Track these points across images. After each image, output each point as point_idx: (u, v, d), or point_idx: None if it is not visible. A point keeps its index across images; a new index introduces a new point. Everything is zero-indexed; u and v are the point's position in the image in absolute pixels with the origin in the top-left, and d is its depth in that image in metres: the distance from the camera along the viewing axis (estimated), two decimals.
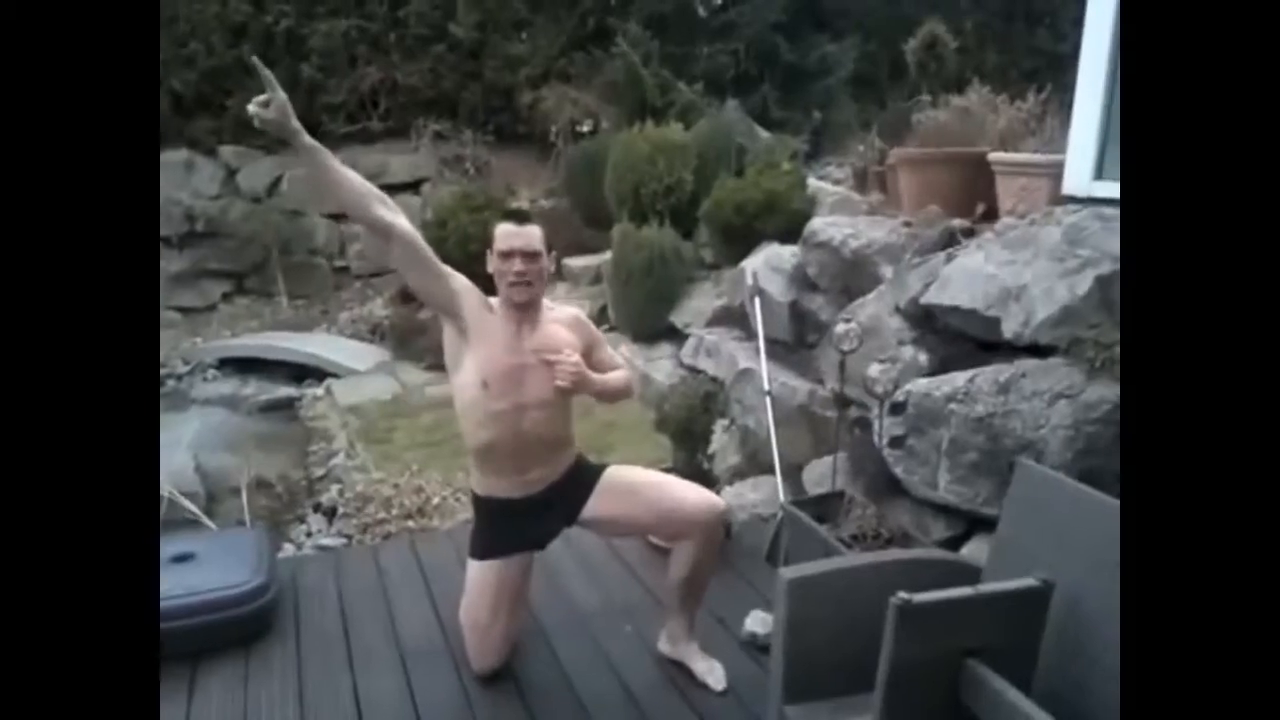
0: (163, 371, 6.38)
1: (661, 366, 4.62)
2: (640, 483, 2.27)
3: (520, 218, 2.19)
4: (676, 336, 4.81)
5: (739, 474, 3.49)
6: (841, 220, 3.74)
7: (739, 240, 4.66)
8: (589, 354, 2.23)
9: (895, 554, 2.13)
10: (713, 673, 2.28)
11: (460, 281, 2.16)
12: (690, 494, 2.22)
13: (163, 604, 2.31)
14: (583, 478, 2.27)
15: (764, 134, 6.81)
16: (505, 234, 2.15)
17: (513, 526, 2.26)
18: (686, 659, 2.32)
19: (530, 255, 2.12)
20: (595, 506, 2.24)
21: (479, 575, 2.27)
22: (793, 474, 3.15)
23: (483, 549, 2.28)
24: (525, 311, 2.17)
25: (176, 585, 2.39)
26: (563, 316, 2.26)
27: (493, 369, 2.12)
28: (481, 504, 2.30)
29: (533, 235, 2.15)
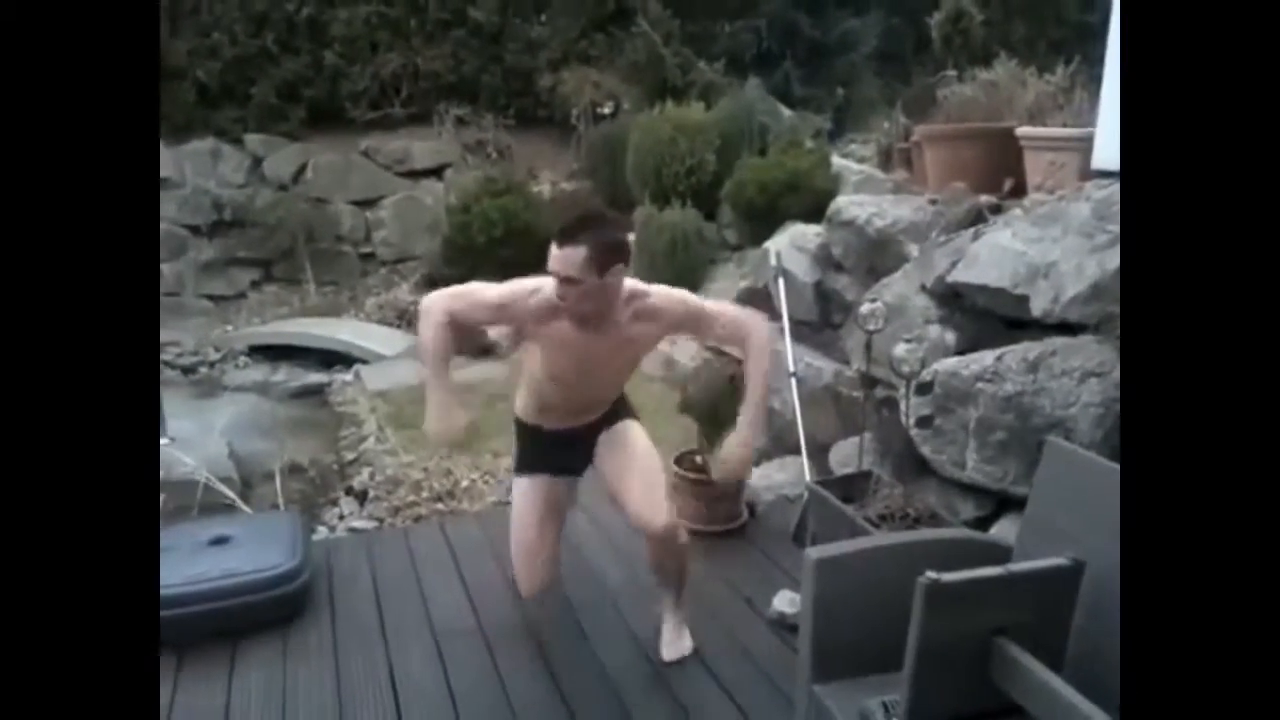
0: (195, 359, 6.48)
1: (686, 348, 4.60)
2: (624, 454, 2.27)
3: (565, 235, 1.93)
4: None
5: (765, 455, 3.48)
6: (866, 199, 3.70)
7: (762, 220, 4.63)
8: (679, 328, 2.20)
9: (923, 534, 2.13)
10: (670, 645, 2.30)
11: (510, 299, 2.03)
12: (637, 496, 2.17)
13: (201, 586, 2.39)
14: (614, 419, 2.33)
15: (787, 112, 6.73)
16: (550, 254, 1.95)
17: (550, 450, 2.33)
18: (662, 626, 2.34)
19: (565, 280, 1.94)
20: (598, 451, 2.31)
21: (524, 492, 2.35)
22: (819, 455, 3.14)
23: (525, 465, 2.37)
24: (589, 321, 2.04)
25: (214, 568, 2.45)
26: (649, 306, 2.08)
27: (557, 369, 2.15)
28: (522, 427, 2.37)
29: (568, 259, 1.91)
